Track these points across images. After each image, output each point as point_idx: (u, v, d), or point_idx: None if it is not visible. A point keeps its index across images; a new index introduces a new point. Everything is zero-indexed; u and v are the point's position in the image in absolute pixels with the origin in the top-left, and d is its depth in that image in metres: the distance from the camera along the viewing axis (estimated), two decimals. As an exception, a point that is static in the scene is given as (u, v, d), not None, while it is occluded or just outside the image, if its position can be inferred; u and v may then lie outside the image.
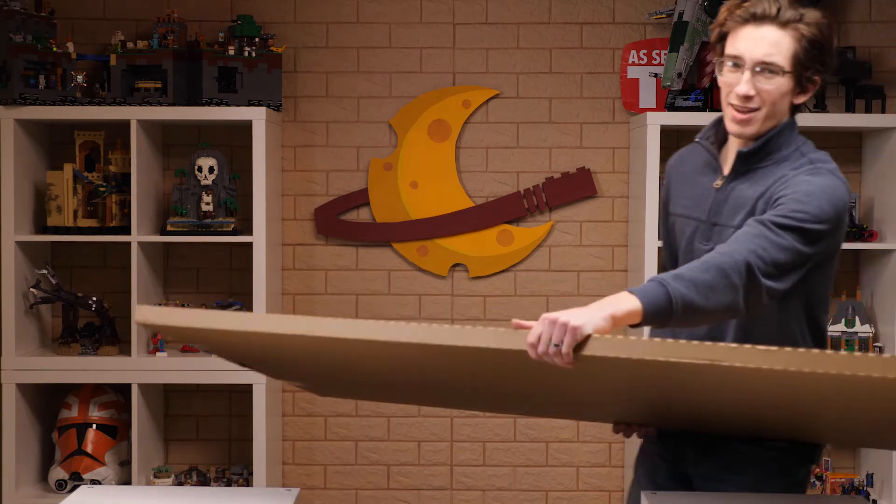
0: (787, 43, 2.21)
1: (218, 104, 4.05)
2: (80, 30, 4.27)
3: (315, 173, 4.34)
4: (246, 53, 4.07)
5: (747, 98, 2.22)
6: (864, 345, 4.07)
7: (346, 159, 4.34)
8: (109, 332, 4.09)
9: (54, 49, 3.97)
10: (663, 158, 4.16)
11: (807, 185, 2.18)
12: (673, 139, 4.28)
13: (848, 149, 4.31)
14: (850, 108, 4.10)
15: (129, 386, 4.05)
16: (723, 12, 2.28)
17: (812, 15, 2.23)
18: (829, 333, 4.09)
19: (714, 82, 4.06)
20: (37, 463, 4.16)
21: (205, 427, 4.39)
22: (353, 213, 4.36)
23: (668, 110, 4.05)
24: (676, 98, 4.05)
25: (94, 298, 4.08)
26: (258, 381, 3.99)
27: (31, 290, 4.05)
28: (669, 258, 2.54)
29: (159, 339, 4.05)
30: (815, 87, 2.28)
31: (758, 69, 2.21)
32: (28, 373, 3.99)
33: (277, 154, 4.26)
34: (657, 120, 3.95)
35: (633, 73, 4.30)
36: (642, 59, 4.29)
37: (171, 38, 4.05)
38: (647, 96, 4.29)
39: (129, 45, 4.04)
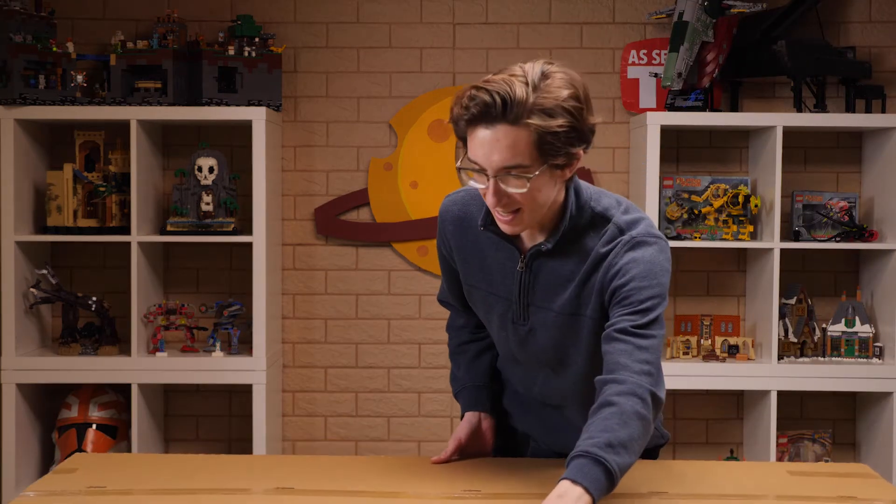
0: (525, 141, 1.93)
1: (218, 104, 4.05)
2: (80, 30, 4.27)
3: (315, 173, 4.34)
4: (246, 53, 4.07)
5: (498, 205, 2.00)
6: (864, 345, 4.07)
7: (346, 159, 4.34)
8: (109, 332, 4.09)
9: (54, 49, 3.97)
10: (663, 158, 4.17)
11: (638, 266, 2.04)
12: (673, 139, 4.28)
13: (848, 149, 4.32)
14: (850, 108, 4.10)
15: (129, 386, 4.05)
16: (452, 109, 1.99)
17: (549, 91, 1.93)
18: (829, 333, 4.10)
19: (714, 82, 4.06)
20: (37, 463, 4.16)
21: (205, 427, 4.39)
22: (353, 213, 4.36)
23: (668, 110, 4.05)
24: (676, 98, 4.05)
25: (94, 298, 4.08)
26: (258, 382, 3.99)
27: (31, 290, 4.05)
28: (452, 295, 2.38)
29: (159, 339, 4.05)
30: (579, 159, 2.01)
31: (501, 175, 1.96)
32: (28, 373, 3.99)
33: (277, 154, 4.26)
34: (657, 120, 3.95)
35: (633, 73, 4.30)
36: (642, 59, 4.29)
37: (171, 38, 4.05)
38: (647, 96, 4.29)
39: (129, 45, 4.04)
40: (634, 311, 2.01)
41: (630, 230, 2.07)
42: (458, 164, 2.04)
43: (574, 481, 1.84)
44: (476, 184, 2.03)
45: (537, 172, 1.96)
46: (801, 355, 4.11)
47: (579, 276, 2.09)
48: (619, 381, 1.96)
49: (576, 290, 2.09)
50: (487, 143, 1.95)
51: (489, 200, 2.01)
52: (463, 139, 2.02)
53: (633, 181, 4.23)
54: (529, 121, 1.92)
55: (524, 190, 1.97)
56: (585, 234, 2.10)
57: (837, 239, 4.09)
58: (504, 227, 2.06)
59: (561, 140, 1.95)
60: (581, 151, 2.01)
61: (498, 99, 1.92)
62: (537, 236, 2.12)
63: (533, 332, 2.16)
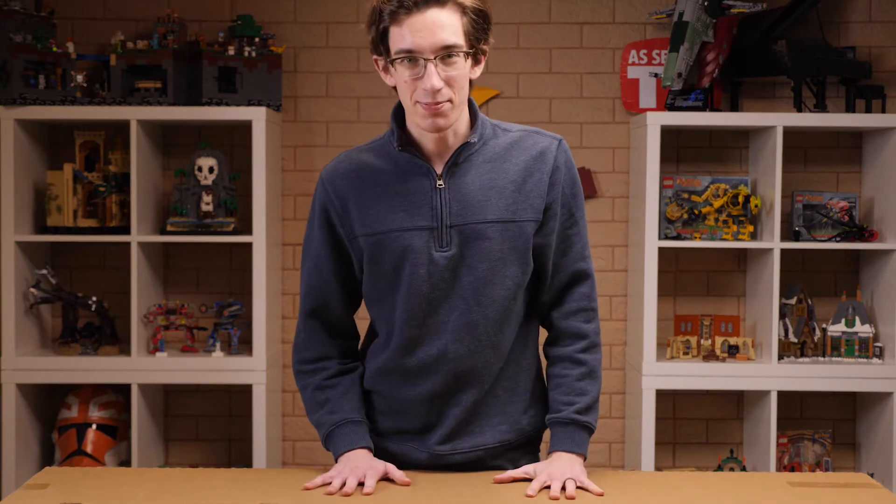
0: (456, 21, 2.04)
1: (218, 104, 4.05)
2: (80, 30, 4.27)
3: (315, 173, 4.34)
4: (246, 53, 4.07)
5: (437, 91, 2.05)
6: (864, 345, 4.07)
7: (346, 159, 4.34)
8: (109, 332, 4.09)
9: (54, 49, 3.97)
10: (664, 158, 4.17)
11: (578, 192, 2.23)
12: (673, 139, 4.28)
13: (848, 149, 4.31)
14: (850, 108, 4.10)
15: (129, 386, 4.05)
16: (374, 9, 2.06)
17: None
18: (829, 333, 4.10)
19: (714, 82, 4.06)
20: (37, 463, 4.16)
21: (205, 427, 4.39)
22: (353, 213, 4.35)
23: (668, 110, 4.05)
24: (676, 98, 4.05)
25: (94, 298, 4.08)
26: (258, 382, 3.99)
27: (31, 290, 4.05)
28: (334, 288, 2.24)
29: (159, 339, 4.05)
30: (485, 56, 2.14)
31: (439, 57, 2.04)
32: (28, 373, 3.99)
33: (277, 154, 4.26)
34: (657, 120, 3.95)
35: (633, 73, 4.30)
36: (642, 59, 4.29)
37: (171, 38, 4.05)
38: (647, 96, 4.29)
39: (129, 45, 4.04)
40: (582, 256, 2.23)
41: (547, 132, 2.23)
42: (389, 58, 2.07)
43: (571, 451, 2.17)
44: (405, 75, 2.06)
45: (466, 54, 2.07)
46: (801, 355, 4.11)
47: (515, 180, 2.16)
48: (581, 333, 2.23)
49: (513, 196, 2.16)
50: (425, 26, 2.02)
51: (428, 84, 2.04)
52: (381, 36, 2.07)
53: (633, 181, 4.23)
54: (459, 0, 2.05)
55: (458, 72, 2.06)
56: (489, 143, 2.19)
57: (837, 239, 4.08)
58: (430, 122, 2.09)
59: (481, 23, 2.09)
60: (488, 48, 2.13)
61: None
62: (445, 155, 2.17)
63: (459, 257, 2.15)
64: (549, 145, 2.20)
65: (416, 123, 2.13)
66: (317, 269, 2.25)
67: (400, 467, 2.21)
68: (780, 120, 3.96)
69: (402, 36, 2.04)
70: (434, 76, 2.04)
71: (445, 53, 2.04)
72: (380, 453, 2.25)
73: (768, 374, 4.00)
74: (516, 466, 2.24)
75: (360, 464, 2.14)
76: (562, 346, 2.24)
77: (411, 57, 2.04)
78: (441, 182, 2.15)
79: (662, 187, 4.06)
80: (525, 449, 2.31)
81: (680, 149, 4.32)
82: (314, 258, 2.24)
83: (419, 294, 2.16)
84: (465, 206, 2.14)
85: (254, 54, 4.07)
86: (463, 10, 2.05)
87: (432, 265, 2.14)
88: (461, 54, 2.05)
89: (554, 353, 2.25)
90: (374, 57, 2.14)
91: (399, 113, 2.20)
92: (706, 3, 3.95)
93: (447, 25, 2.04)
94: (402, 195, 2.15)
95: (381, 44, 2.09)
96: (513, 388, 2.24)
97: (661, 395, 4.22)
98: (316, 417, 2.25)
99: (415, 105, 2.09)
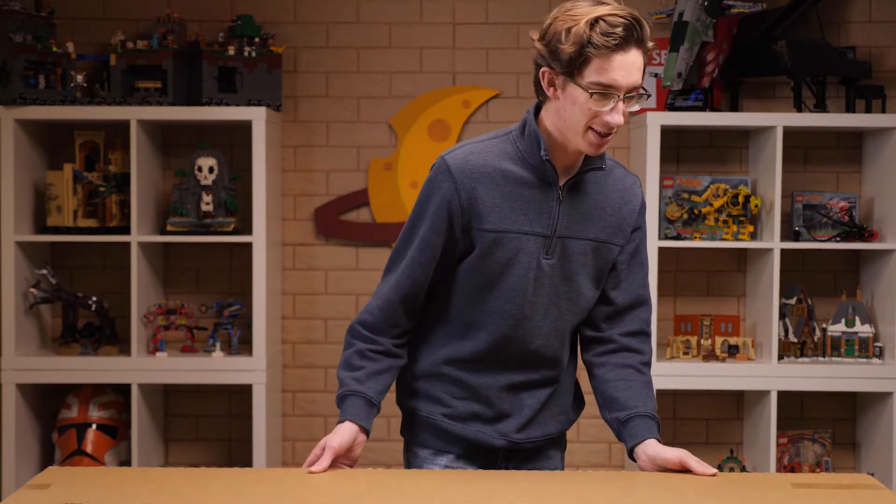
0: (642, 62, 2.16)
1: (218, 104, 4.05)
2: (80, 30, 4.27)
3: (315, 173, 4.34)
4: (246, 53, 4.07)
5: (617, 126, 2.15)
6: (864, 345, 4.07)
7: (346, 159, 4.34)
8: (109, 332, 4.09)
9: (54, 49, 3.97)
10: (663, 158, 4.17)
11: (645, 226, 2.40)
12: (673, 139, 4.28)
13: (848, 149, 4.32)
14: (850, 108, 4.10)
15: (129, 386, 4.05)
16: (580, 34, 2.09)
17: (644, 20, 2.18)
18: (829, 333, 4.10)
19: (714, 82, 4.06)
20: (37, 463, 4.16)
21: (205, 427, 4.39)
22: (353, 213, 4.36)
23: (668, 110, 4.05)
24: (676, 98, 4.05)
25: (94, 298, 4.08)
26: (258, 382, 3.99)
27: (31, 290, 4.05)
28: (421, 279, 2.28)
29: (159, 339, 4.05)
30: None
31: (627, 96, 2.13)
32: (28, 373, 3.99)
33: (277, 154, 4.26)
34: (657, 120, 3.95)
35: (633, 73, 4.29)
36: (642, 59, 4.29)
37: (171, 38, 4.05)
38: (647, 96, 4.29)
39: (129, 45, 4.04)
40: (644, 283, 2.39)
41: (627, 168, 2.39)
42: (585, 84, 2.11)
43: (657, 440, 2.27)
44: (593, 105, 2.11)
45: (647, 92, 2.17)
46: (801, 355, 4.11)
47: (613, 206, 2.30)
48: (640, 350, 2.36)
49: (610, 220, 2.30)
50: (627, 66, 2.11)
51: (613, 120, 2.12)
52: (579, 61, 2.10)
53: (633, 181, 4.22)
54: (647, 43, 2.16)
55: (636, 108, 2.16)
56: (593, 171, 2.29)
57: (837, 239, 4.09)
58: (593, 150, 2.18)
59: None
60: None
61: (636, 23, 2.13)
62: (569, 170, 2.26)
63: (560, 266, 2.27)
64: (635, 182, 2.37)
65: (575, 143, 2.19)
66: (425, 251, 2.26)
67: (475, 452, 2.34)
68: (780, 120, 3.96)
69: (605, 70, 2.10)
70: (620, 114, 2.13)
71: (634, 93, 2.13)
72: (456, 440, 2.34)
73: (768, 374, 4.00)
74: (555, 454, 2.43)
75: (332, 436, 2.25)
76: (623, 357, 2.36)
77: (606, 93, 2.11)
78: (562, 196, 2.25)
79: (662, 187, 4.07)
80: (564, 438, 2.50)
81: (680, 149, 4.32)
82: (423, 241, 2.26)
83: (523, 295, 2.26)
84: (573, 220, 2.26)
85: (254, 54, 4.07)
86: (646, 51, 2.17)
87: (539, 270, 2.26)
88: (643, 94, 2.15)
89: (614, 361, 2.36)
90: (545, 69, 2.17)
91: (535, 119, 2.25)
92: (706, 3, 3.95)
93: (641, 67, 2.14)
94: (526, 199, 2.24)
95: (572, 65, 2.11)
96: (568, 382, 2.42)
97: (661, 395, 4.22)
98: (343, 375, 2.35)
99: (586, 131, 2.15)
